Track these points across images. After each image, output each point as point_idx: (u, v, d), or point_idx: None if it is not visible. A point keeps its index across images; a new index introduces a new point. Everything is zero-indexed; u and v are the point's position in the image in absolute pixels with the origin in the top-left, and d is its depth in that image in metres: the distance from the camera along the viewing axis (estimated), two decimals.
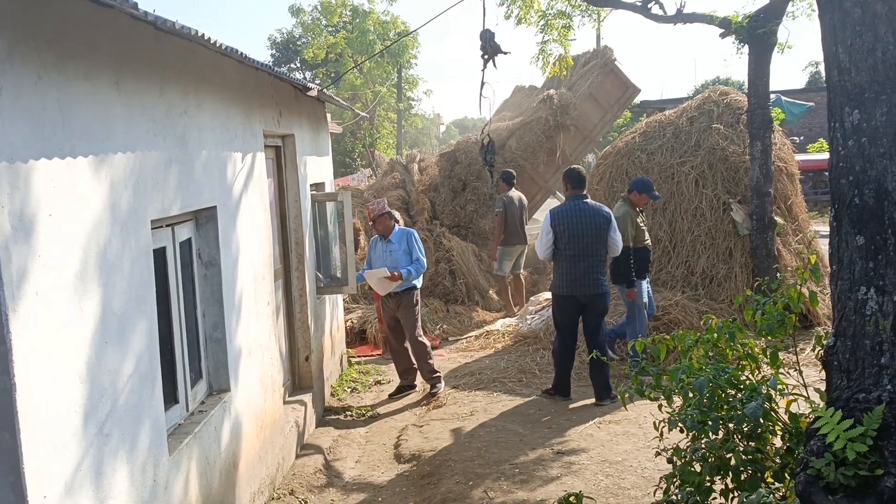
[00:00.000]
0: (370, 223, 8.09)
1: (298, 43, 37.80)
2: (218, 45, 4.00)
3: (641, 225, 7.88)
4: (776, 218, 9.00)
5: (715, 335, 2.97)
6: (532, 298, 11.72)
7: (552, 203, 16.41)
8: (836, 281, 1.90)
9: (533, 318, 10.43)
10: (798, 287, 2.85)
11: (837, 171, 1.91)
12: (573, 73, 15.21)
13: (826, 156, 17.07)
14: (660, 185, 9.51)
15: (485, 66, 6.93)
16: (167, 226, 4.21)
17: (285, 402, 6.56)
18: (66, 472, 2.88)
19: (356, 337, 10.65)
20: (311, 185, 7.70)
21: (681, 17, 9.54)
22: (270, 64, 6.07)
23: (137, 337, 3.52)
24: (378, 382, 8.77)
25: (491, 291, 12.44)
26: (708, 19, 9.37)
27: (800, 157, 14.77)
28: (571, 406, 7.10)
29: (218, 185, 4.75)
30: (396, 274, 7.65)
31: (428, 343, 8.17)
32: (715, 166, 9.37)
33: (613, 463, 5.68)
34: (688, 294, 8.89)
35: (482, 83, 7.11)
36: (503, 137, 14.29)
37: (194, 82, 4.40)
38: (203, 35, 3.70)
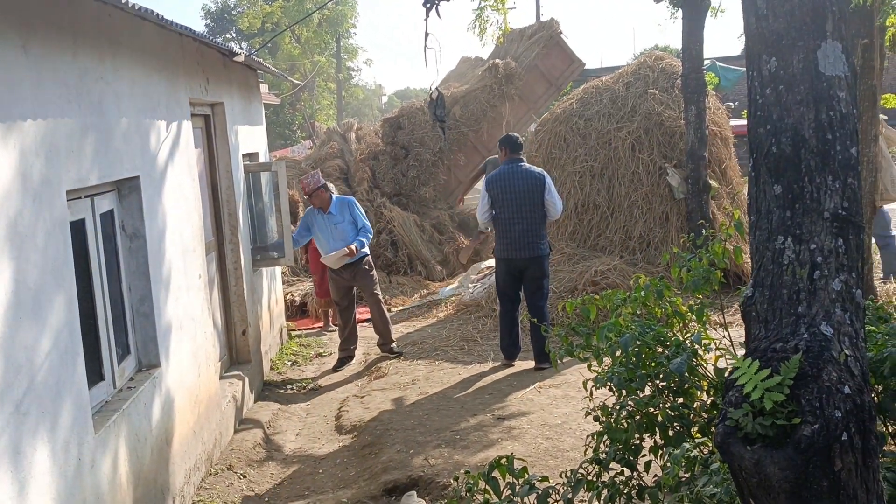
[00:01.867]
0: (305, 197, 7.96)
1: (233, 12, 36.93)
2: (132, 6, 3.83)
3: None
4: (711, 182, 9.12)
5: (643, 293, 2.97)
6: (473, 266, 11.72)
7: None
8: (754, 231, 1.89)
9: (475, 286, 10.44)
10: (722, 243, 2.87)
11: (755, 120, 1.89)
12: (519, 44, 15.17)
13: None
14: (597, 151, 9.56)
15: (427, 15, 6.65)
16: (86, 197, 4.04)
17: (222, 377, 6.43)
18: None
19: (297, 310, 10.54)
20: (244, 156, 7.52)
21: None
22: (203, 32, 5.85)
23: (55, 312, 3.38)
24: (319, 355, 8.69)
25: (433, 261, 12.41)
26: None
27: (734, 122, 15.00)
28: (512, 371, 7.13)
29: (141, 155, 4.58)
30: (354, 248, 7.60)
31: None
32: (651, 131, 9.43)
33: (553, 426, 5.71)
34: (626, 258, 8.98)
35: (426, 34, 6.85)
36: (448, 105, 14.19)
37: (111, 47, 4.21)
38: None
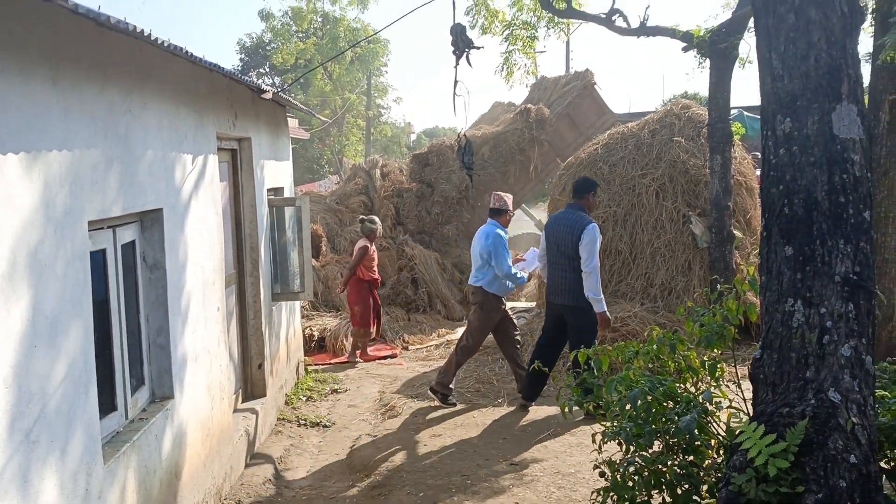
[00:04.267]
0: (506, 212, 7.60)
1: (268, 48, 37.54)
2: (162, 43, 3.91)
3: None
4: (735, 231, 9.06)
5: (655, 347, 2.93)
6: None
7: (518, 214, 16.47)
8: (764, 292, 1.86)
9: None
10: (740, 297, 2.82)
11: (769, 180, 1.88)
12: (553, 91, 15.35)
13: None
14: (621, 197, 9.55)
15: (457, 63, 6.73)
16: (108, 227, 4.09)
17: (236, 410, 6.43)
18: None
19: (315, 345, 10.53)
20: (268, 190, 7.60)
21: (644, 31, 9.59)
22: (235, 67, 5.94)
23: (71, 341, 3.40)
24: (335, 391, 8.65)
25: (453, 300, 12.39)
26: (670, 33, 9.42)
27: (760, 171, 14.89)
28: (527, 416, 7.05)
29: (165, 187, 4.64)
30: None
31: None
32: (675, 179, 9.41)
33: (566, 475, 5.63)
34: (647, 306, 8.90)
35: (455, 81, 6.93)
36: (478, 145, 14.35)
37: (140, 81, 4.29)
38: (143, 31, 3.60)
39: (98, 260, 3.96)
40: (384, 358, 10.02)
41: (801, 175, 1.77)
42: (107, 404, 4.01)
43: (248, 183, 6.89)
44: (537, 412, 7.12)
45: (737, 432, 1.76)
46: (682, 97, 21.85)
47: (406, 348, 10.61)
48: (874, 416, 1.73)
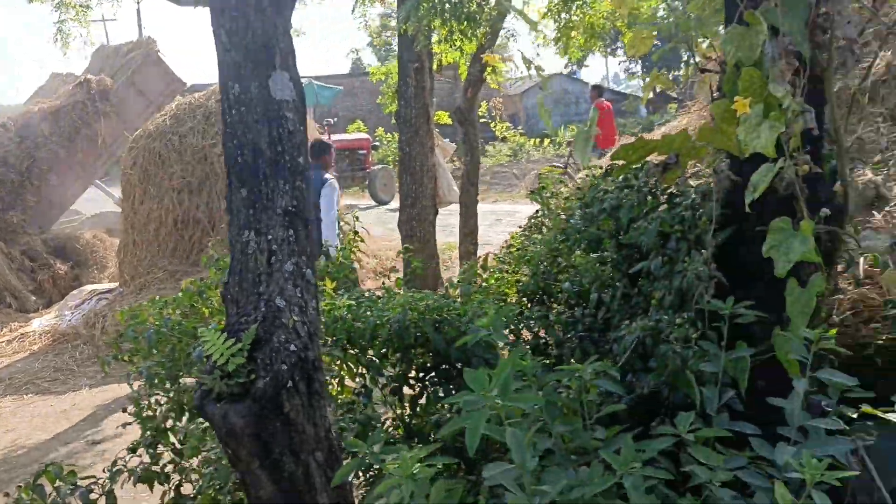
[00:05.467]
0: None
1: None
2: None
3: None
4: None
5: (181, 295, 3.23)
6: (73, 293, 11.10)
7: (94, 192, 15.57)
8: (230, 228, 2.25)
9: (73, 313, 9.92)
10: None
11: (226, 136, 2.26)
12: (115, 61, 14.64)
13: (361, 136, 18.83)
14: (194, 167, 9.66)
15: None
16: None
17: None
18: None
19: None
20: None
21: (201, 1, 9.69)
22: None
23: None
24: None
25: (25, 291, 11.47)
26: None
27: (338, 136, 16.03)
28: (110, 397, 6.96)
29: None
30: None
31: None
32: None
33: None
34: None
35: None
36: (35, 122, 13.24)
37: None
38: None
39: None
40: None
41: (248, 130, 2.18)
42: None
43: None
44: (119, 391, 7.05)
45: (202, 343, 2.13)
46: None
47: None
48: (315, 315, 2.23)
